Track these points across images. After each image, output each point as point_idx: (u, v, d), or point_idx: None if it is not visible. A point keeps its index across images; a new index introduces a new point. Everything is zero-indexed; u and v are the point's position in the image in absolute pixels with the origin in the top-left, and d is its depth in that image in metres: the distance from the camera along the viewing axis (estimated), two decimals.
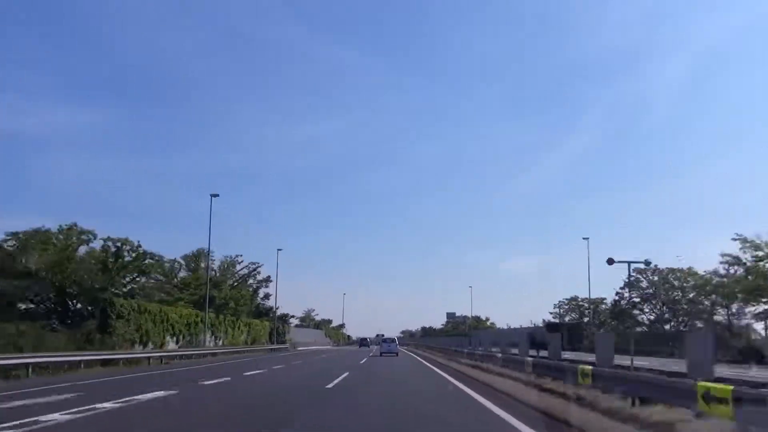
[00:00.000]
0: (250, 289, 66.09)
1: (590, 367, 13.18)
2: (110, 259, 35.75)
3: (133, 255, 37.23)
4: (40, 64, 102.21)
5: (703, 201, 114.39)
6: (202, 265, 53.72)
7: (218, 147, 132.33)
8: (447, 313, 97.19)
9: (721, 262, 38.65)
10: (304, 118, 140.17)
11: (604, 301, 58.79)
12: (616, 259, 47.56)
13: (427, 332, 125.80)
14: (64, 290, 32.85)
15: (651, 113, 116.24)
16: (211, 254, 51.45)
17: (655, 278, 48.98)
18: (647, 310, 49.32)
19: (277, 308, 67.68)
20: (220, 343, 48.02)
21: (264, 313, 68.31)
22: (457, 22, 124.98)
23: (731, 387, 7.52)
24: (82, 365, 23.04)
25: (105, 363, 24.69)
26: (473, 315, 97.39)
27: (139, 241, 37.46)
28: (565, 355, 22.76)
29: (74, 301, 34.13)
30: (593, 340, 21.24)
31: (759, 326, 36.88)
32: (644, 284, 49.66)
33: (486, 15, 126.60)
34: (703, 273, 43.42)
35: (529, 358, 19.88)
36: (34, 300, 32.78)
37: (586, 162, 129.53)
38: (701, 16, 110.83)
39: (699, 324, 42.42)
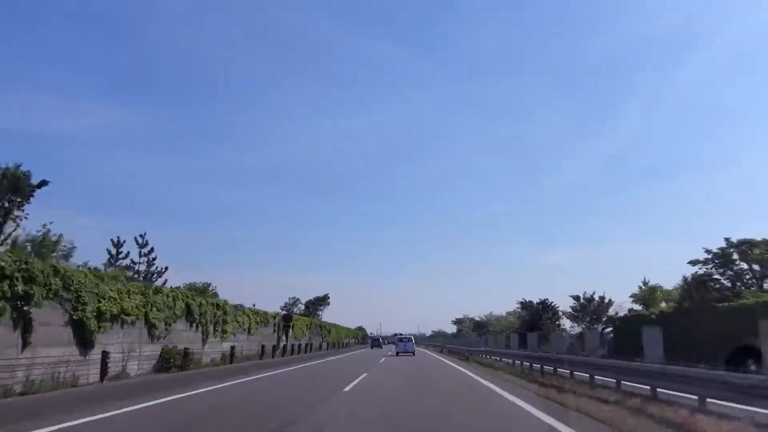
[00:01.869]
0: None
1: None
2: None
3: None
4: (83, 65, 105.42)
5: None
6: None
7: (253, 143, 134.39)
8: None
9: None
10: (337, 113, 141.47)
11: None
12: None
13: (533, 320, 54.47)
14: None
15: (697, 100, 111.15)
16: None
17: None
18: None
19: None
20: None
21: None
22: (490, 14, 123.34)
23: None
24: None
25: None
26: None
27: None
28: None
29: None
30: None
31: None
32: None
33: (522, 10, 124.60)
34: None
35: None
36: None
37: (627, 153, 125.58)
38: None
39: None
